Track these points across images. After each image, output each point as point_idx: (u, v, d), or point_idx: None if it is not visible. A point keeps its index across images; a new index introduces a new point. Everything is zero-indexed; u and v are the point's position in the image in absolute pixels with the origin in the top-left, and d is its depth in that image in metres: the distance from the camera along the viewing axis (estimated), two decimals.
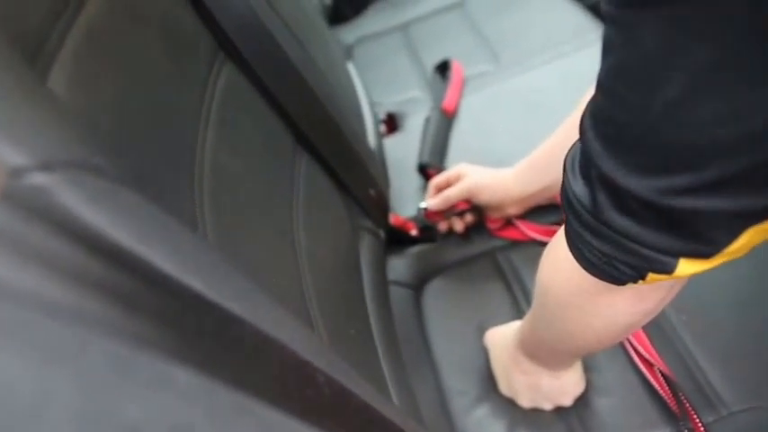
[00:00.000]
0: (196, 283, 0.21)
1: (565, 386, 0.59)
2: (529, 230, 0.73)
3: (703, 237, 0.30)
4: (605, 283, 0.37)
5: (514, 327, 0.59)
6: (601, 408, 0.59)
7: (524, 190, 0.68)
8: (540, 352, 0.56)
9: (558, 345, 0.51)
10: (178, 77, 0.41)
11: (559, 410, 0.60)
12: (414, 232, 0.75)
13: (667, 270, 0.32)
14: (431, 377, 0.63)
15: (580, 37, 0.94)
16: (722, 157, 0.26)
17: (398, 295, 0.68)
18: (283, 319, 0.26)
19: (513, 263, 0.73)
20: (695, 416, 0.55)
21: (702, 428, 0.54)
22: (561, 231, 0.40)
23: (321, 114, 0.57)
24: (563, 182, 0.36)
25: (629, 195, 0.30)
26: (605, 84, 0.30)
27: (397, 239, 0.75)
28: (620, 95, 0.29)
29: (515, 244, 0.74)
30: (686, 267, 0.31)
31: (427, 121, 0.86)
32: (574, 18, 0.99)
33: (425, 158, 0.80)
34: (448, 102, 0.87)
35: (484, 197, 0.70)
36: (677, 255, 0.31)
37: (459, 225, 0.74)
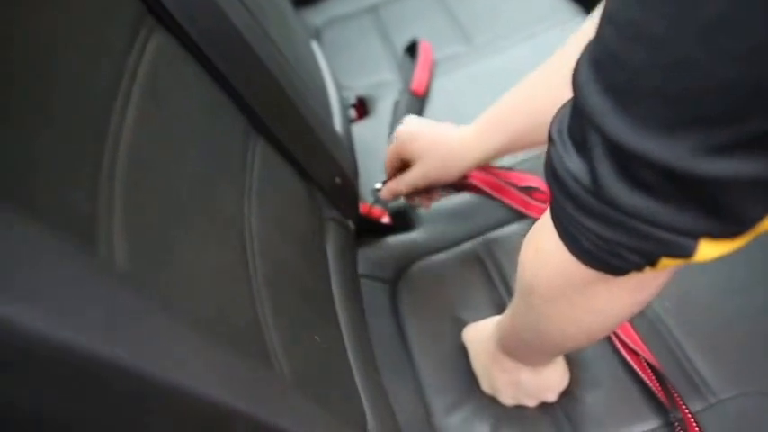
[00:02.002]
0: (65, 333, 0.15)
1: (547, 382, 0.53)
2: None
3: (733, 211, 0.24)
4: (601, 275, 0.30)
5: (493, 323, 0.53)
6: (587, 401, 0.55)
7: (482, 152, 0.57)
8: (521, 350, 0.49)
9: (543, 345, 0.45)
10: (89, 45, 0.33)
11: (544, 406, 0.55)
12: (385, 220, 0.68)
13: (686, 253, 0.25)
14: (409, 377, 0.57)
15: (553, 16, 0.89)
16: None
17: (372, 290, 0.61)
18: (191, 359, 0.19)
19: (492, 251, 0.66)
20: (684, 406, 0.50)
21: (692, 418, 0.50)
22: (543, 221, 0.33)
23: (278, 95, 0.49)
24: (549, 158, 0.28)
25: (644, 164, 0.23)
26: (618, 13, 0.22)
27: (369, 230, 0.68)
28: (641, 24, 0.21)
29: (494, 232, 0.68)
30: (708, 249, 0.25)
31: (396, 104, 0.79)
32: None
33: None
34: (417, 83, 0.80)
35: (416, 147, 0.59)
36: (699, 235, 0.25)
37: (425, 202, 0.66)
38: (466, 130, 0.59)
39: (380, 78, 0.88)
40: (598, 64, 0.24)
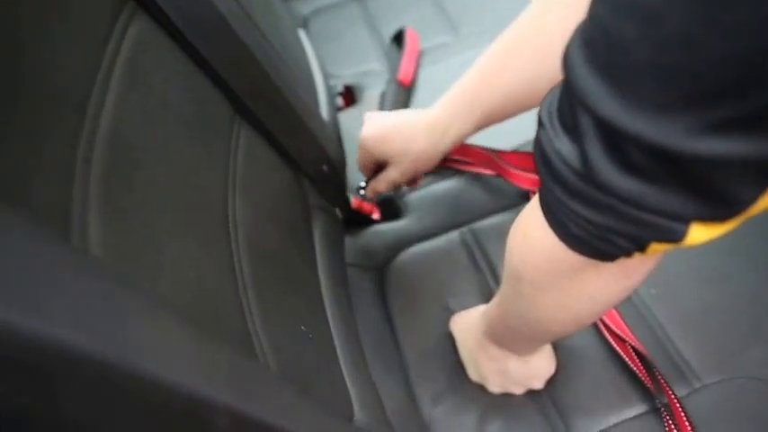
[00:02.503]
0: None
1: (534, 369, 0.52)
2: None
3: (725, 193, 0.23)
4: (590, 261, 0.30)
5: (480, 312, 0.52)
6: (574, 387, 0.55)
7: (458, 133, 0.55)
8: (509, 338, 0.49)
9: (531, 331, 0.44)
10: (66, 29, 0.31)
11: (531, 394, 0.54)
12: (375, 216, 0.67)
13: (676, 238, 0.25)
14: (396, 365, 0.56)
15: None
16: (762, 80, 0.19)
17: (359, 278, 0.60)
18: (167, 349, 0.18)
19: (479, 239, 0.66)
20: (670, 391, 0.50)
21: (677, 403, 0.50)
22: (531, 206, 0.32)
23: (263, 81, 0.48)
24: (538, 141, 0.27)
25: (636, 145, 0.22)
26: None
27: (356, 218, 0.67)
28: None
29: (481, 220, 0.67)
30: (698, 233, 0.25)
31: (383, 94, 0.78)
32: None
33: None
34: (403, 73, 0.79)
35: (387, 149, 0.56)
36: (689, 219, 0.24)
37: (412, 186, 0.64)
38: (433, 115, 0.56)
39: (368, 67, 0.87)
40: (590, 43, 0.23)
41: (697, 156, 0.21)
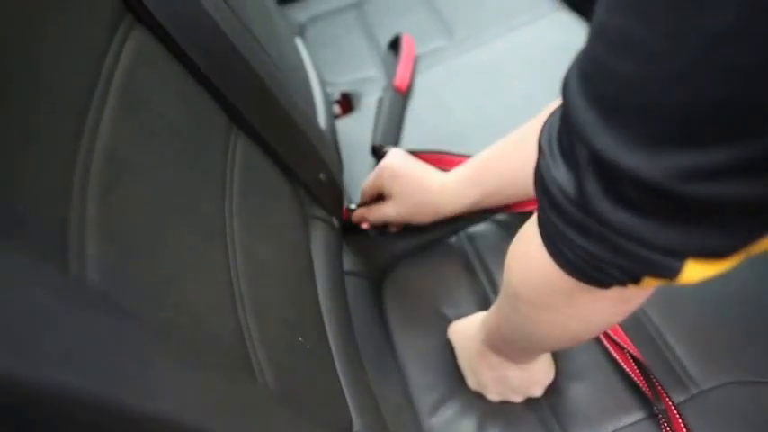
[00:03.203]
0: None
1: (533, 377, 0.52)
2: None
3: (723, 232, 0.22)
4: (586, 285, 0.29)
5: (478, 319, 0.52)
6: (572, 394, 0.54)
7: (458, 204, 0.57)
8: (507, 348, 0.49)
9: (529, 345, 0.44)
10: (65, 44, 0.31)
11: (530, 401, 0.54)
12: (365, 226, 0.66)
13: (670, 274, 0.24)
14: (395, 375, 0.56)
15: (534, 9, 0.88)
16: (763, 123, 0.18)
17: (357, 287, 0.60)
18: (165, 383, 0.17)
19: (475, 245, 0.65)
20: (667, 398, 0.50)
21: (675, 410, 0.50)
22: (531, 224, 0.31)
23: (260, 92, 0.47)
24: (537, 166, 0.27)
25: (631, 180, 0.22)
26: (610, 23, 0.20)
27: (353, 227, 0.67)
28: (634, 36, 0.19)
29: (477, 226, 0.67)
30: (694, 271, 0.24)
31: (380, 101, 0.77)
32: None
33: (378, 140, 0.72)
34: (399, 79, 0.79)
35: (396, 185, 0.58)
36: (684, 255, 0.23)
37: (393, 228, 0.65)
38: (447, 180, 0.58)
39: (365, 74, 0.86)
40: (586, 77, 0.23)
41: (692, 196, 0.21)
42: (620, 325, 0.55)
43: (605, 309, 0.33)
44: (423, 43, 0.87)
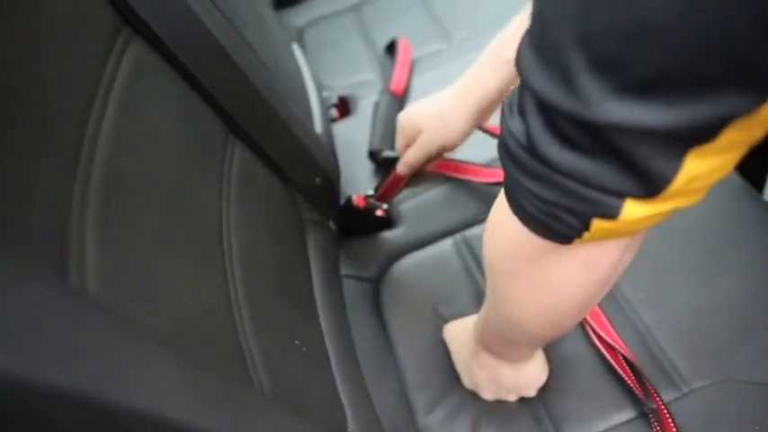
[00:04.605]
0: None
1: (526, 377, 0.53)
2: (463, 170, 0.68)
3: (647, 167, 0.24)
4: (551, 245, 0.31)
5: (472, 320, 0.53)
6: (565, 394, 0.55)
7: (466, 115, 0.59)
8: (498, 345, 0.49)
9: (512, 333, 0.45)
10: (64, 57, 0.32)
11: (524, 400, 0.55)
12: (379, 213, 0.67)
13: (612, 213, 0.26)
14: (391, 375, 0.57)
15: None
16: (646, 46, 0.21)
17: (354, 290, 0.61)
18: (161, 385, 0.18)
19: (471, 246, 0.66)
20: (657, 397, 0.51)
21: (665, 409, 0.51)
22: (501, 195, 0.34)
23: (255, 99, 0.48)
24: (500, 128, 0.29)
25: (560, 115, 0.24)
26: None
27: (350, 229, 0.67)
28: None
29: (473, 227, 0.67)
30: (633, 210, 0.26)
31: (376, 105, 0.78)
32: None
33: (375, 144, 0.73)
34: (396, 83, 0.80)
35: (420, 121, 0.62)
36: (621, 194, 0.26)
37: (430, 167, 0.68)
38: (462, 79, 0.61)
39: (362, 78, 0.87)
40: (530, 29, 0.25)
41: (605, 123, 0.23)
42: (611, 325, 0.56)
43: (573, 276, 0.34)
44: (420, 47, 0.88)
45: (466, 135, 0.62)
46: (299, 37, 0.96)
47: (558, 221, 0.28)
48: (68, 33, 0.33)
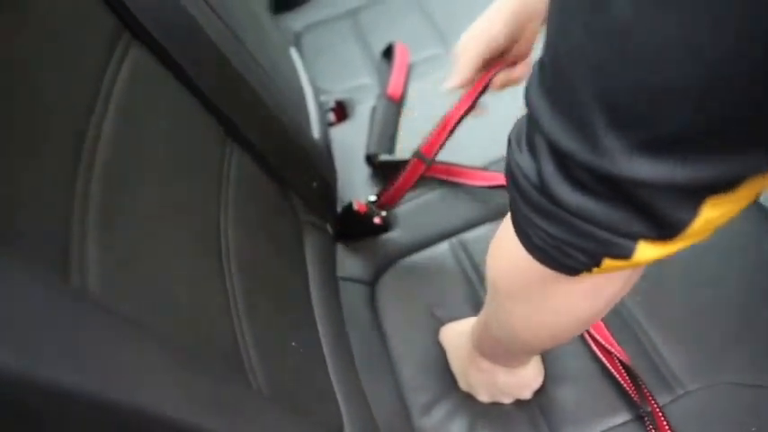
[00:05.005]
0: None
1: (522, 381, 0.53)
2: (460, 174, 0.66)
3: (664, 214, 0.24)
4: (556, 274, 0.31)
5: (470, 324, 0.53)
6: (561, 397, 0.56)
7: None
8: (495, 351, 0.50)
9: (512, 344, 0.45)
10: (64, 63, 0.32)
11: (520, 403, 0.55)
12: (377, 220, 0.67)
13: (625, 254, 0.26)
14: (388, 377, 0.57)
15: None
16: (673, 108, 0.20)
17: (351, 292, 0.61)
18: (162, 385, 0.19)
19: (468, 250, 0.67)
20: (653, 401, 0.52)
21: (660, 412, 0.51)
22: (507, 217, 0.33)
23: (253, 104, 0.49)
24: (507, 158, 0.29)
25: (574, 163, 0.24)
26: (551, 21, 0.23)
27: (347, 233, 0.68)
28: (563, 27, 0.22)
29: (469, 231, 0.68)
30: (646, 251, 0.26)
31: (374, 109, 0.79)
32: None
33: (372, 149, 0.73)
34: (393, 87, 0.80)
35: (495, 17, 0.52)
36: (635, 236, 0.25)
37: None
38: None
39: (359, 82, 0.88)
40: (542, 66, 0.25)
41: (627, 178, 0.22)
42: (607, 328, 0.56)
43: (577, 302, 0.34)
44: (417, 51, 0.88)
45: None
46: (297, 41, 0.97)
47: (566, 256, 0.28)
48: (69, 38, 0.34)
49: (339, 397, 0.45)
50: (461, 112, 0.62)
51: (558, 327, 0.38)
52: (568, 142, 0.23)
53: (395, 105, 0.79)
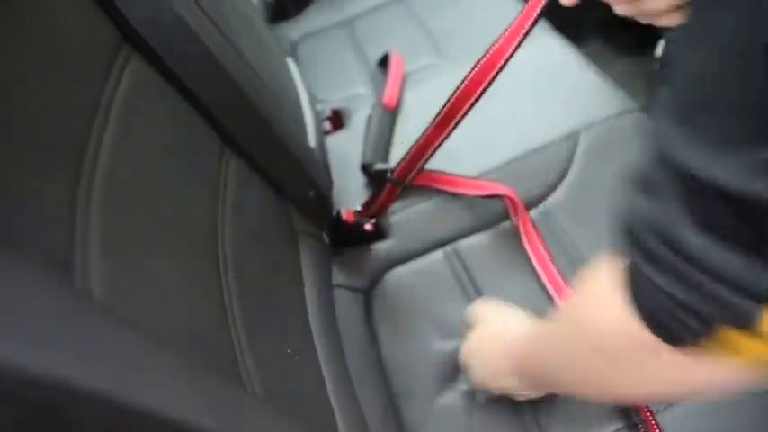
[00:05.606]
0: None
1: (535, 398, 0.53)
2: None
3: None
4: (657, 344, 0.27)
5: (514, 331, 0.50)
6: (555, 404, 0.57)
7: None
8: (537, 380, 0.47)
9: (568, 388, 0.42)
10: (65, 75, 0.33)
11: (515, 410, 0.55)
12: (368, 227, 0.68)
13: (744, 322, 0.22)
14: (382, 385, 0.58)
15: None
16: None
17: (346, 300, 0.62)
18: (163, 385, 0.19)
19: (462, 258, 0.67)
20: (647, 409, 0.53)
21: (652, 420, 0.52)
22: (609, 269, 0.29)
23: (251, 115, 0.49)
24: (624, 213, 0.26)
25: (713, 193, 0.21)
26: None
27: (343, 241, 0.68)
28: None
29: (464, 239, 0.68)
30: None
31: (369, 119, 0.79)
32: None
33: (368, 157, 0.74)
34: (388, 97, 0.81)
35: None
36: (762, 296, 0.22)
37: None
38: None
39: (355, 91, 0.89)
40: (669, 94, 0.23)
41: (761, 199, 0.20)
42: None
43: (673, 375, 0.29)
44: (412, 61, 0.89)
45: None
46: (293, 50, 0.98)
47: (678, 322, 0.25)
48: (71, 50, 0.34)
49: (334, 405, 0.46)
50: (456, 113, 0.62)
51: (631, 390, 0.34)
52: (708, 165, 0.21)
53: (390, 115, 0.80)
